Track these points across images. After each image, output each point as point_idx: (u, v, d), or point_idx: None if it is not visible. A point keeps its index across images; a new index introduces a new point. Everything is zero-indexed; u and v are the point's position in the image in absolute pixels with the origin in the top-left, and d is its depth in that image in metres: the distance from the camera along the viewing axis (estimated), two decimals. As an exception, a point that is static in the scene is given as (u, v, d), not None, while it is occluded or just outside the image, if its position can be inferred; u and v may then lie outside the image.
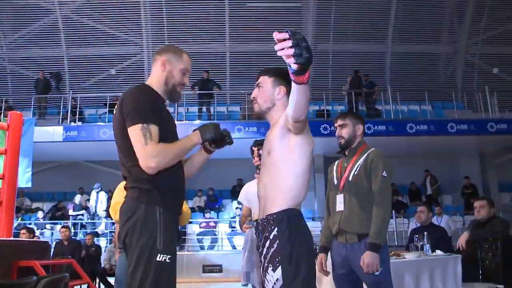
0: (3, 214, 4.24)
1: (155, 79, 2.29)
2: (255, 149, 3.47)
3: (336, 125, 3.03)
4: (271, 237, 1.99)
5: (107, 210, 12.83)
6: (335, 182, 2.98)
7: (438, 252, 4.27)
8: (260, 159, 2.85)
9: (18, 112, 4.97)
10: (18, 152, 4.56)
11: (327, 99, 15.45)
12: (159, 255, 2.00)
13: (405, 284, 3.32)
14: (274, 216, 2.03)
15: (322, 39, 15.99)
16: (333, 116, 13.49)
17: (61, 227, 8.48)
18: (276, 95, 2.19)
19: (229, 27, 15.62)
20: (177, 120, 12.26)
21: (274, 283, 1.94)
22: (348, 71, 14.98)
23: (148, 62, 15.63)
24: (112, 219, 12.34)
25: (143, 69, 15.79)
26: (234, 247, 12.15)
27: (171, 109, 13.44)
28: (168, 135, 2.15)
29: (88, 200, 13.13)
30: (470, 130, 12.39)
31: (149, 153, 2.02)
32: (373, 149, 2.97)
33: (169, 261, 2.03)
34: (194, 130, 2.27)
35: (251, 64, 15.77)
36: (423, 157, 14.31)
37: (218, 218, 13.14)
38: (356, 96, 13.57)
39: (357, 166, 2.88)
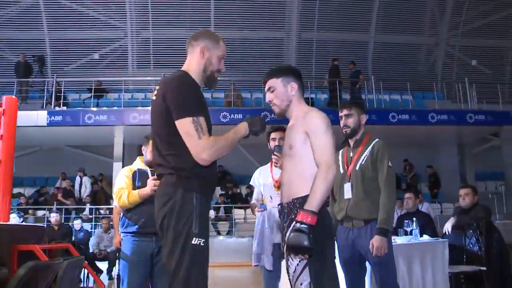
0: (0, 199, 4.25)
1: (194, 66, 2.32)
2: (274, 135, 3.47)
3: (341, 114, 3.17)
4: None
5: (90, 195, 12.82)
6: (341, 171, 3.12)
7: (425, 237, 4.46)
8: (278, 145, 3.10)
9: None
10: (14, 137, 4.54)
11: (311, 87, 15.60)
12: (194, 238, 2.09)
13: (399, 267, 3.50)
14: (300, 199, 2.20)
15: (306, 27, 16.09)
16: (317, 104, 13.67)
17: (52, 213, 8.48)
18: (289, 92, 2.36)
19: (215, 13, 15.58)
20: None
21: (300, 261, 2.11)
22: (334, 58, 15.10)
23: (132, 47, 15.53)
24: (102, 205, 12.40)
25: (127, 54, 15.67)
26: (219, 233, 12.29)
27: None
28: (208, 122, 2.22)
29: (73, 186, 13.07)
30: (450, 120, 12.71)
31: (203, 147, 2.10)
32: (377, 140, 3.15)
33: (203, 244, 2.12)
34: (242, 122, 2.34)
35: (236, 51, 15.78)
36: (404, 146, 14.61)
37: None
38: (339, 85, 13.70)
39: (364, 157, 3.07)
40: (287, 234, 2.17)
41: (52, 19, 15.32)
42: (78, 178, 13.07)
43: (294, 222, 2.10)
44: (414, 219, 4.56)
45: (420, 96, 15.42)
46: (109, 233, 8.58)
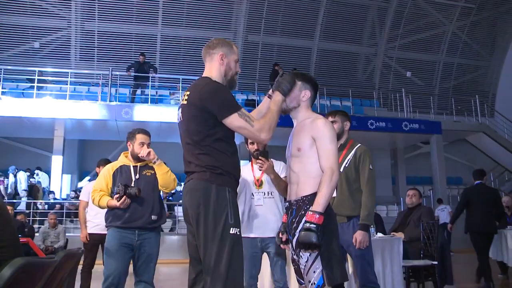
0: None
1: (215, 72, 2.51)
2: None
3: None
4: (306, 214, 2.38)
5: (27, 190, 12.28)
6: None
7: (379, 234, 4.82)
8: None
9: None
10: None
11: (254, 89, 15.94)
12: (232, 228, 2.28)
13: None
14: (309, 197, 2.42)
15: (253, 30, 16.36)
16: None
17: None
18: (301, 97, 2.56)
19: (163, 10, 15.45)
20: (109, 101, 12.05)
21: (310, 253, 2.35)
22: (275, 62, 15.48)
23: (75, 38, 15.03)
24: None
25: (69, 45, 15.13)
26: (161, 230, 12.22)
27: (99, 89, 13.13)
28: None
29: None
30: (387, 127, 13.49)
31: (259, 130, 2.33)
32: (359, 145, 3.45)
33: (239, 233, 2.32)
34: (273, 91, 2.50)
35: (182, 50, 15.75)
36: (341, 150, 15.25)
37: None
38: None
39: (348, 160, 3.36)
40: (298, 230, 2.39)
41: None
42: (11, 176, 12.41)
43: (304, 222, 2.32)
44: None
45: (359, 103, 16.18)
46: (56, 228, 8.34)
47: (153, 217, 3.56)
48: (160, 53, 15.63)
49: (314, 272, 2.35)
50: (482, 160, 16.51)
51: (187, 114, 2.42)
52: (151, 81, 13.36)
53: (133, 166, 3.61)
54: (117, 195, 3.43)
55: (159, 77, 14.44)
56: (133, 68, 12.93)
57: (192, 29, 15.68)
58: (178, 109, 2.53)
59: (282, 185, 3.37)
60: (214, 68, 2.51)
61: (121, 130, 12.06)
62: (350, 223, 3.26)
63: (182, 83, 13.18)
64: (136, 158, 3.60)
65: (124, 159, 3.69)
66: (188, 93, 2.46)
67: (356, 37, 17.34)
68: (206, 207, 2.30)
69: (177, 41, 15.84)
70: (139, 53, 13.71)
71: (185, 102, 2.45)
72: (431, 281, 5.02)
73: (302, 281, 2.51)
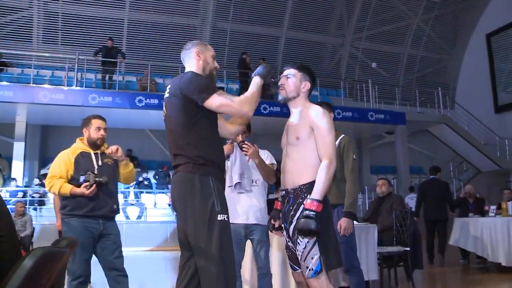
0: None
1: (194, 68, 2.56)
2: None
3: None
4: (305, 202, 2.43)
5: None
6: None
7: (355, 222, 4.94)
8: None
9: None
10: None
11: (222, 77, 15.89)
12: (219, 215, 2.34)
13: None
14: (307, 185, 2.47)
15: (222, 17, 16.22)
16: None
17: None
18: (301, 88, 2.62)
19: (130, -6, 15.08)
20: (75, 86, 11.74)
21: (308, 240, 2.41)
22: (243, 51, 15.44)
23: (38, 19, 14.48)
24: None
25: (31, 27, 14.55)
26: (127, 217, 12.09)
27: (64, 73, 12.76)
28: None
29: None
30: (353, 117, 13.74)
31: (241, 104, 2.37)
32: (343, 135, 3.54)
33: (227, 219, 2.38)
34: (253, 77, 2.56)
35: (149, 35, 15.46)
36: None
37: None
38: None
39: None
40: (295, 218, 2.45)
41: None
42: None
43: (303, 210, 2.37)
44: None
45: (325, 92, 16.36)
46: (23, 216, 8.11)
47: (115, 206, 3.57)
48: (127, 38, 15.29)
49: (312, 258, 2.41)
50: (442, 151, 17.10)
51: (169, 106, 2.51)
52: (113, 67, 13.08)
53: (94, 153, 3.55)
54: (87, 183, 3.35)
55: (127, 63, 14.16)
56: (100, 53, 12.61)
57: (160, 15, 15.39)
58: (163, 105, 2.58)
59: (266, 170, 3.47)
60: (192, 64, 2.58)
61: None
62: (334, 211, 3.32)
63: (150, 69, 12.98)
64: (93, 144, 3.55)
65: (81, 145, 3.59)
66: (169, 86, 2.55)
67: (324, 27, 17.48)
68: (191, 197, 2.36)
69: (144, 26, 15.51)
70: (105, 38, 13.39)
71: (167, 95, 2.53)
72: (402, 266, 5.21)
73: (297, 267, 2.58)
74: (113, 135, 12.03)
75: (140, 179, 13.27)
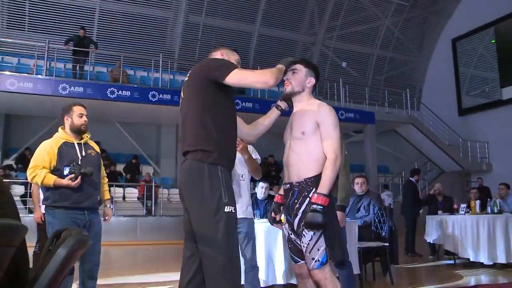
0: None
1: None
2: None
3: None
4: (310, 195, 2.49)
5: None
6: None
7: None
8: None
9: None
10: None
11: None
12: (226, 206, 2.29)
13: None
14: (312, 179, 2.52)
15: (195, 11, 16.07)
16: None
17: None
18: (306, 83, 2.68)
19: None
20: (45, 75, 11.41)
21: (314, 232, 2.46)
22: (215, 46, 15.35)
23: (2, 4, 13.93)
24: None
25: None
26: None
27: (32, 61, 12.38)
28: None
29: None
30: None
31: (263, 75, 2.37)
32: None
33: (234, 211, 2.33)
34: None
35: (121, 26, 15.17)
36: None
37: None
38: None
39: None
40: (300, 210, 2.50)
41: None
42: None
43: (310, 204, 2.42)
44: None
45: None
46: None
47: (99, 197, 3.60)
48: (98, 28, 14.92)
49: (318, 249, 2.46)
50: (407, 151, 17.56)
51: (187, 89, 2.47)
52: (85, 57, 12.77)
53: (77, 143, 3.53)
54: (73, 175, 3.33)
55: (97, 53, 13.86)
56: (71, 42, 12.27)
57: (132, 5, 15.09)
58: (180, 93, 2.57)
59: (254, 165, 3.51)
60: None
61: (56, 106, 11.45)
62: None
63: (123, 60, 12.75)
64: (77, 131, 3.53)
65: (64, 135, 3.55)
66: (189, 73, 2.53)
67: (296, 25, 17.61)
68: (200, 187, 2.32)
69: (116, 16, 15.20)
70: (74, 26, 13.07)
71: (186, 78, 2.51)
72: (378, 261, 5.35)
73: (298, 259, 2.62)
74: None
75: (107, 171, 13.04)
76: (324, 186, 2.44)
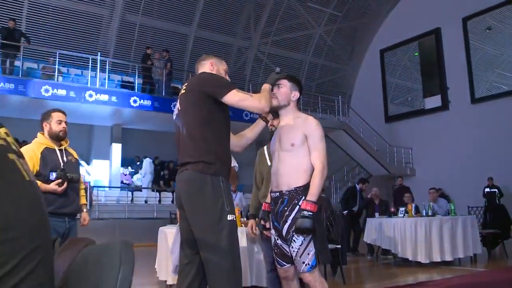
0: None
1: None
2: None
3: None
4: (300, 203, 2.65)
5: None
6: (269, 164, 3.58)
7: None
8: None
9: None
10: None
11: (128, 71, 15.46)
12: (228, 215, 2.42)
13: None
14: (302, 188, 2.68)
15: (132, 9, 15.70)
16: (139, 89, 13.64)
17: None
18: (291, 97, 2.86)
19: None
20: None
21: (304, 238, 2.62)
22: (151, 46, 15.14)
23: None
24: None
25: None
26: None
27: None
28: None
29: None
30: (255, 119, 14.08)
31: (259, 100, 2.52)
32: None
33: (235, 219, 2.48)
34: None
35: (52, 20, 14.45)
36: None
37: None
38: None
39: None
40: (290, 217, 2.65)
41: None
42: None
43: (300, 210, 2.58)
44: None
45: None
46: None
47: (79, 204, 3.58)
48: (26, 21, 14.09)
49: (308, 254, 2.63)
50: (337, 155, 18.24)
51: (185, 102, 2.57)
52: (16, 52, 12.05)
53: (58, 149, 3.52)
54: (59, 180, 3.32)
55: (30, 48, 13.10)
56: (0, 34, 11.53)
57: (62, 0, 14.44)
58: (176, 102, 2.66)
59: (232, 174, 3.52)
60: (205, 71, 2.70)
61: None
62: None
63: (58, 58, 12.18)
64: (56, 137, 3.52)
65: (45, 140, 3.52)
66: (186, 84, 2.64)
67: (232, 29, 17.76)
68: (202, 196, 2.41)
69: (47, 10, 14.44)
70: (2, 17, 12.24)
71: (183, 91, 2.60)
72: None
73: (284, 263, 2.75)
74: (9, 125, 11.27)
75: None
76: (313, 193, 2.61)
